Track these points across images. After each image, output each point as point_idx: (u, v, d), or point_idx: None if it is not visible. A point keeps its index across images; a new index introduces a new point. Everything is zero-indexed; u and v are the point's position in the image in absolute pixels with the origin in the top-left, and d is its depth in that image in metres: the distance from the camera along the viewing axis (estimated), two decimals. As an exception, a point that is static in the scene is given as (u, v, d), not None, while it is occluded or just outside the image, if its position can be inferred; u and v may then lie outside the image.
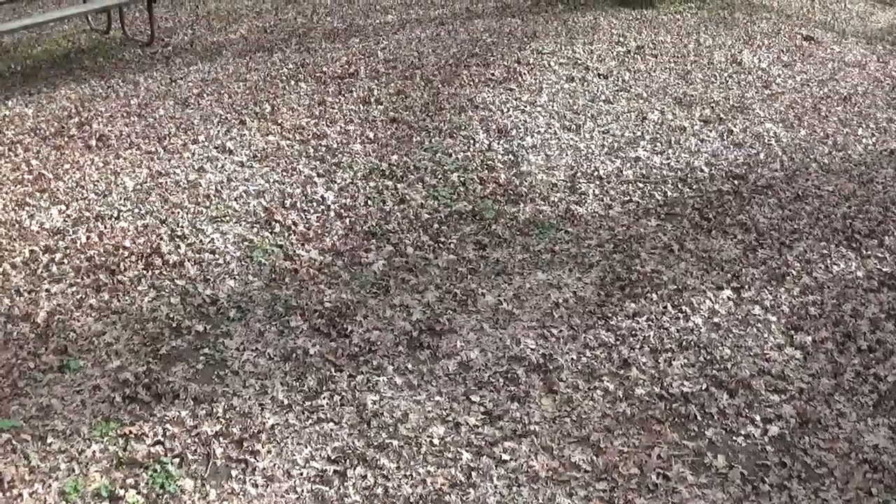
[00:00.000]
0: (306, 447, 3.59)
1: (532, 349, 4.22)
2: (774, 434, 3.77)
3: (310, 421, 3.73)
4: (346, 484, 3.42)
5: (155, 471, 3.43)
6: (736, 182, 5.95)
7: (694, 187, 5.85)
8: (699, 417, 3.83)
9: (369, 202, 5.44)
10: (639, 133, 6.59)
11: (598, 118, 6.80)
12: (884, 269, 5.15)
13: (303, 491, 3.39)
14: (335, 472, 3.48)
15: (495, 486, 3.45)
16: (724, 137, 6.63)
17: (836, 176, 6.32)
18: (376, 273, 4.76)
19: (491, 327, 4.37)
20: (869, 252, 5.32)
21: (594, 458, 3.61)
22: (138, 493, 3.33)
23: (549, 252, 5.04)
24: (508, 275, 4.81)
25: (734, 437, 3.74)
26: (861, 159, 6.77)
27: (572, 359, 4.17)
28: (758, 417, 3.85)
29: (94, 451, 3.50)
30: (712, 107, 7.18)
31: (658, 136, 6.56)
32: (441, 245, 5.06)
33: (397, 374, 4.02)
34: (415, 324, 4.36)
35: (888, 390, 4.12)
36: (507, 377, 4.04)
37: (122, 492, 3.33)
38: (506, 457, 3.59)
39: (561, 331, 4.35)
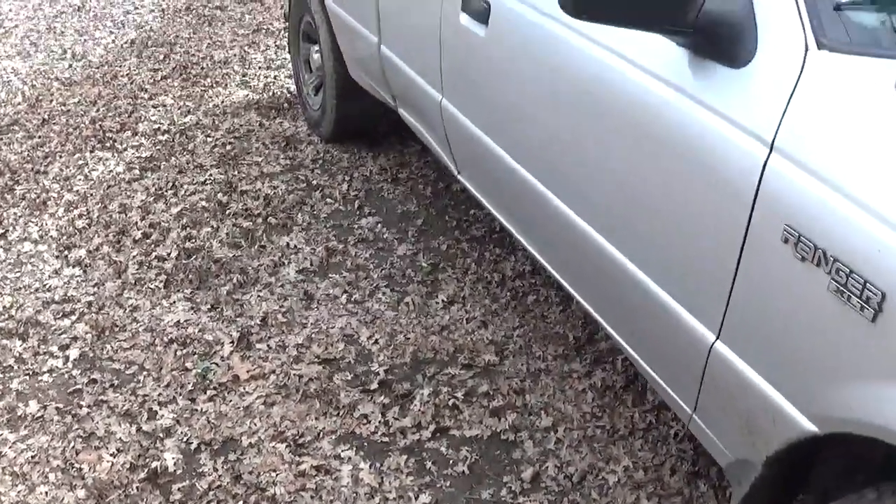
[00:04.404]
0: None
1: None
2: (76, 356, 3.78)
3: None
4: None
5: None
6: (-20, 131, 5.71)
7: (-67, 152, 5.52)
8: (-5, 375, 3.72)
9: None
10: None
11: None
12: (143, 155, 5.33)
13: None
14: None
15: None
16: (-43, 90, 6.31)
17: (79, 86, 6.35)
18: None
19: None
20: (124, 145, 5.46)
21: None
22: None
23: None
24: None
25: (40, 378, 3.69)
26: (102, 60, 6.86)
27: None
28: (55, 349, 3.83)
29: None
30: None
31: None
32: None
33: None
34: None
35: (174, 266, 4.32)
36: None
37: None
38: None
39: None
